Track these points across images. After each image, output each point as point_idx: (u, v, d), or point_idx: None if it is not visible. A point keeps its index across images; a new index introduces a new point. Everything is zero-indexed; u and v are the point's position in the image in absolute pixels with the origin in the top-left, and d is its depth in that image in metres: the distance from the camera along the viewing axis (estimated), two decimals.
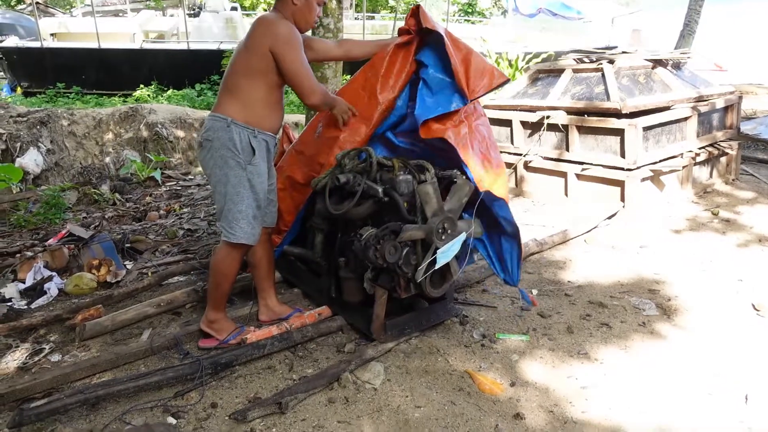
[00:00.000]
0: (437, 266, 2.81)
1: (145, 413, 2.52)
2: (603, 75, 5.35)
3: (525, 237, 4.31)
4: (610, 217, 4.96)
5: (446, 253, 2.81)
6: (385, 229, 2.83)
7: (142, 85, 11.85)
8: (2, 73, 14.10)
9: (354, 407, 2.54)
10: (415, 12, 3.19)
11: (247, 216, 2.93)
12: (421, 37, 3.26)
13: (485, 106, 6.18)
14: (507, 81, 3.21)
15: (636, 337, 3.13)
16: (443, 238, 2.81)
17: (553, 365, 2.88)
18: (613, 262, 4.16)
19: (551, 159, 5.57)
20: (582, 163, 5.27)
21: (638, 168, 4.95)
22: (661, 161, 5.16)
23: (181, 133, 8.36)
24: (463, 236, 2.87)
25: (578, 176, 5.33)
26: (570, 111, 5.37)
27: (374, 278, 2.99)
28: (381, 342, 2.99)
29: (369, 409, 2.53)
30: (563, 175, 5.46)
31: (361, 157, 3.14)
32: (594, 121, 5.13)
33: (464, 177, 3.02)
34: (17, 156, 6.83)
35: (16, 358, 3.03)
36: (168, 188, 7.05)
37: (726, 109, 5.99)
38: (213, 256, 3.05)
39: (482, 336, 3.15)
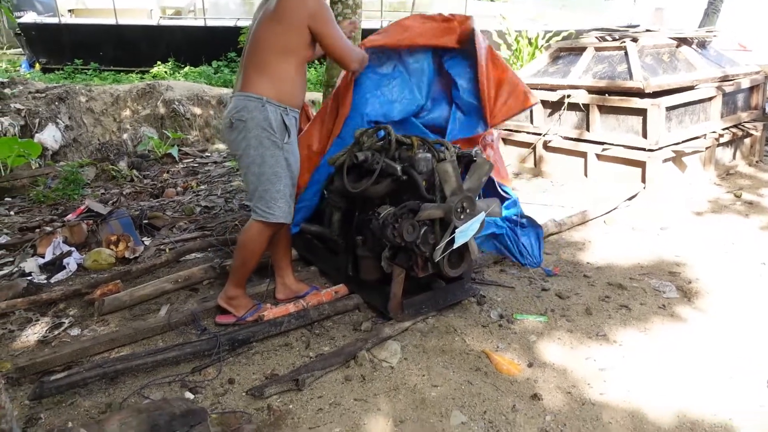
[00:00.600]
0: (455, 246, 2.78)
1: (163, 388, 2.54)
2: (626, 53, 5.24)
3: (544, 217, 4.29)
4: (630, 198, 4.89)
5: (465, 232, 2.78)
6: (403, 207, 2.80)
7: (159, 62, 11.82)
8: (21, 49, 14.15)
9: (370, 385, 2.54)
10: (467, 22, 3.36)
11: (285, 195, 2.92)
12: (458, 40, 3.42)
13: None
14: (536, 104, 3.43)
15: (656, 319, 3.09)
16: (462, 217, 2.78)
17: (571, 346, 2.85)
18: (633, 244, 4.11)
19: (571, 139, 5.48)
20: (602, 143, 5.19)
21: (660, 149, 4.87)
22: (683, 142, 5.07)
23: (198, 110, 8.35)
24: (482, 216, 2.84)
25: (598, 156, 5.25)
26: (591, 90, 5.28)
27: (392, 257, 2.97)
28: (398, 321, 2.98)
29: (385, 387, 2.53)
30: (583, 155, 5.38)
31: (380, 135, 3.11)
32: (616, 101, 5.04)
33: (483, 157, 3.04)
34: (36, 132, 6.84)
35: (36, 331, 3.07)
36: (185, 165, 7.07)
37: (751, 89, 5.86)
38: (242, 233, 3.03)
39: (500, 316, 3.13)
